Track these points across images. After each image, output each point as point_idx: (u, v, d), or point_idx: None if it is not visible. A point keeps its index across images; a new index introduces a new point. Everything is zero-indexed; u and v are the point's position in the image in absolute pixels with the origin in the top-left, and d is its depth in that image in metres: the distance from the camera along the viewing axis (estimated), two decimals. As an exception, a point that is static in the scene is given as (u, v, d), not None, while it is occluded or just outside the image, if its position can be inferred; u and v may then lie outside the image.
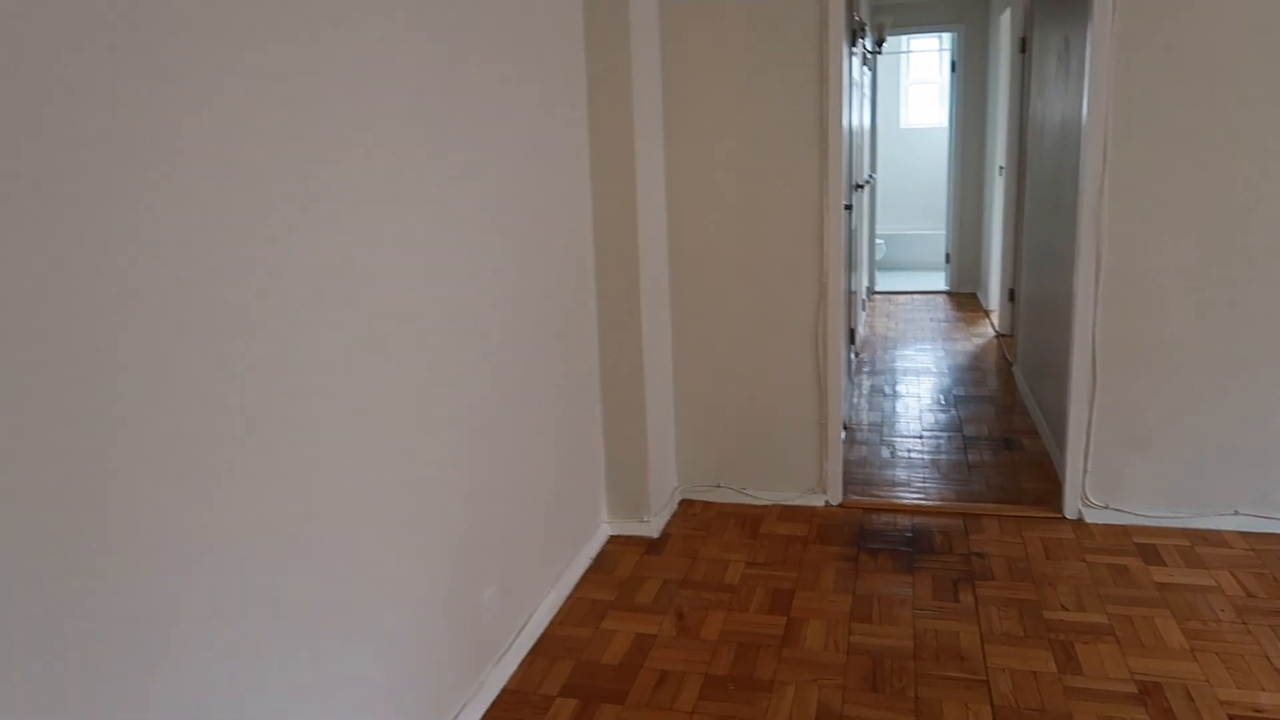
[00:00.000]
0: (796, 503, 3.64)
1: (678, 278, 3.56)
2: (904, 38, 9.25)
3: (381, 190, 1.89)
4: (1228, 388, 3.21)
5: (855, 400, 4.98)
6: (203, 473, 1.43)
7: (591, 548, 3.24)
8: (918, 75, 9.51)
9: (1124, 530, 3.32)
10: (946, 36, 9.27)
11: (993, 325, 6.62)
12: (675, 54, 3.37)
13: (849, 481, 3.82)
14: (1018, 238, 5.82)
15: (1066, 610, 2.81)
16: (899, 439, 4.36)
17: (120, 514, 1.29)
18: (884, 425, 4.57)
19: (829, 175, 3.37)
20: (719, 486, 3.70)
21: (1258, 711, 2.31)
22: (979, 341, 6.23)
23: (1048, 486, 3.72)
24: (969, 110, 7.62)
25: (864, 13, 5.99)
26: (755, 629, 2.76)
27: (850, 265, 4.71)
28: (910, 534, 3.36)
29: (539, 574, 2.78)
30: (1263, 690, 2.39)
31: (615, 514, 3.40)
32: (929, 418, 4.67)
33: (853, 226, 4.89)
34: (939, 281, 8.35)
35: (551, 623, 2.82)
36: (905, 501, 3.63)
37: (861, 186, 5.59)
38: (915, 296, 7.91)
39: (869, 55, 6.49)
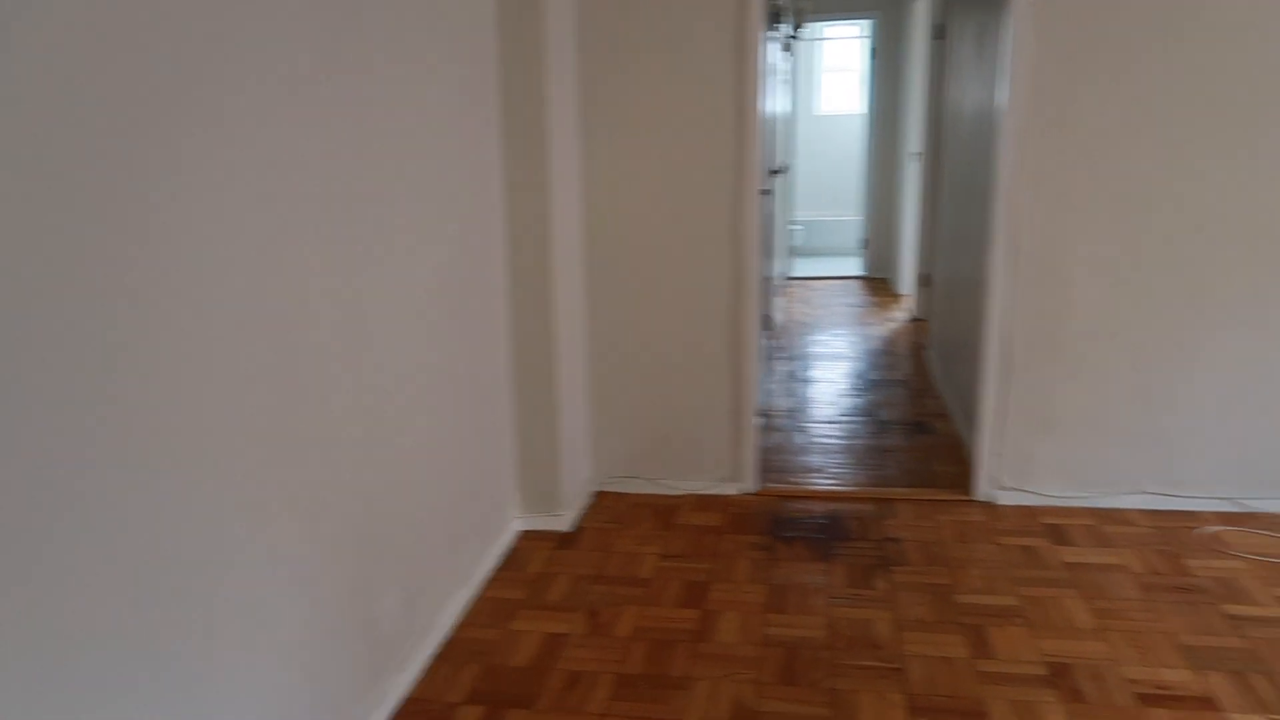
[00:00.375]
0: (712, 492, 3.59)
1: (593, 266, 3.46)
2: (819, 24, 9.28)
3: (266, 176, 1.75)
4: (1133, 372, 3.26)
5: (771, 386, 4.96)
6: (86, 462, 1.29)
7: (502, 544, 3.14)
8: (832, 62, 9.56)
9: (1033, 511, 3.35)
10: (864, 23, 9.34)
11: (906, 310, 6.69)
12: (591, 38, 3.27)
13: (765, 469, 3.78)
14: (932, 224, 5.88)
15: (978, 593, 2.81)
16: (814, 424, 4.35)
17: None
18: (800, 411, 4.55)
19: (747, 161, 3.31)
20: (634, 477, 3.63)
21: (1162, 689, 2.34)
22: (893, 326, 6.29)
23: (960, 470, 3.75)
24: (886, 97, 7.67)
25: (778, -3, 5.96)
26: (669, 624, 2.69)
27: (767, 251, 4.68)
28: (825, 521, 3.33)
29: (445, 574, 2.67)
30: (1167, 668, 2.42)
31: (527, 508, 3.30)
32: (844, 403, 4.67)
33: (769, 212, 4.86)
34: (854, 267, 8.42)
35: (458, 625, 2.71)
36: (820, 488, 3.61)
37: (778, 172, 5.57)
38: (831, 282, 7.96)
39: (789, 41, 6.47)
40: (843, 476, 3.72)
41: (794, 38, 6.55)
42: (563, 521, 3.30)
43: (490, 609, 2.79)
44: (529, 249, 3.07)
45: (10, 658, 1.25)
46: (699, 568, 3.02)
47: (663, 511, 3.44)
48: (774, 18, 4.63)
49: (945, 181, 4.96)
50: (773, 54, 4.42)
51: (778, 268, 6.42)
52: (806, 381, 5.06)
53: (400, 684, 2.37)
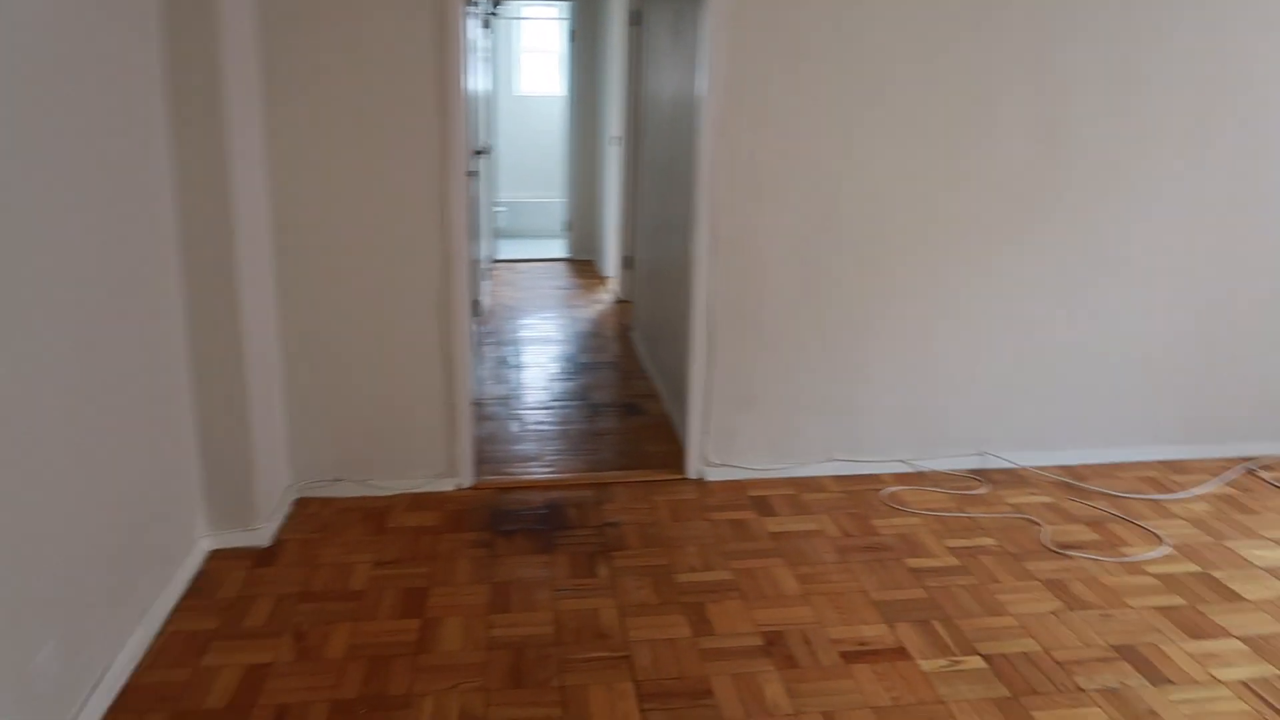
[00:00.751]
0: (426, 489, 3.42)
1: (286, 254, 3.14)
2: (517, 3, 9.19)
3: None
4: (821, 347, 3.49)
5: (483, 374, 4.84)
6: None
7: (188, 569, 2.78)
8: (532, 42, 9.51)
9: (740, 485, 3.51)
10: (562, 5, 9.36)
11: (611, 291, 6.82)
12: (273, 6, 2.94)
13: (480, 461, 3.67)
14: (634, 207, 6.00)
15: (695, 571, 2.89)
16: (528, 411, 4.29)
17: None
18: (512, 398, 4.48)
19: (452, 141, 3.14)
20: (340, 480, 3.37)
21: (863, 645, 2.51)
22: (599, 308, 6.38)
23: (671, 449, 3.84)
24: (585, 79, 7.73)
25: (474, -29, 5.78)
26: (387, 638, 2.51)
27: (474, 234, 4.54)
28: (545, 511, 3.28)
29: (115, 614, 2.30)
30: (865, 624, 2.61)
31: (216, 525, 2.96)
32: (556, 387, 4.66)
33: (475, 194, 4.71)
34: (559, 249, 8.46)
35: (137, 669, 2.36)
36: (538, 477, 3.56)
37: (482, 153, 5.42)
38: (536, 264, 7.95)
39: (488, 17, 6.31)
40: (559, 463, 3.69)
41: (493, 14, 6.41)
42: (260, 536, 2.99)
43: (177, 645, 2.46)
44: (206, 239, 2.72)
45: None
46: (416, 573, 2.85)
47: (374, 515, 3.23)
48: (472, -8, 4.47)
49: (646, 166, 5.07)
50: (473, 30, 4.27)
51: (484, 251, 6.29)
52: (517, 367, 4.99)
53: (65, 749, 2.01)
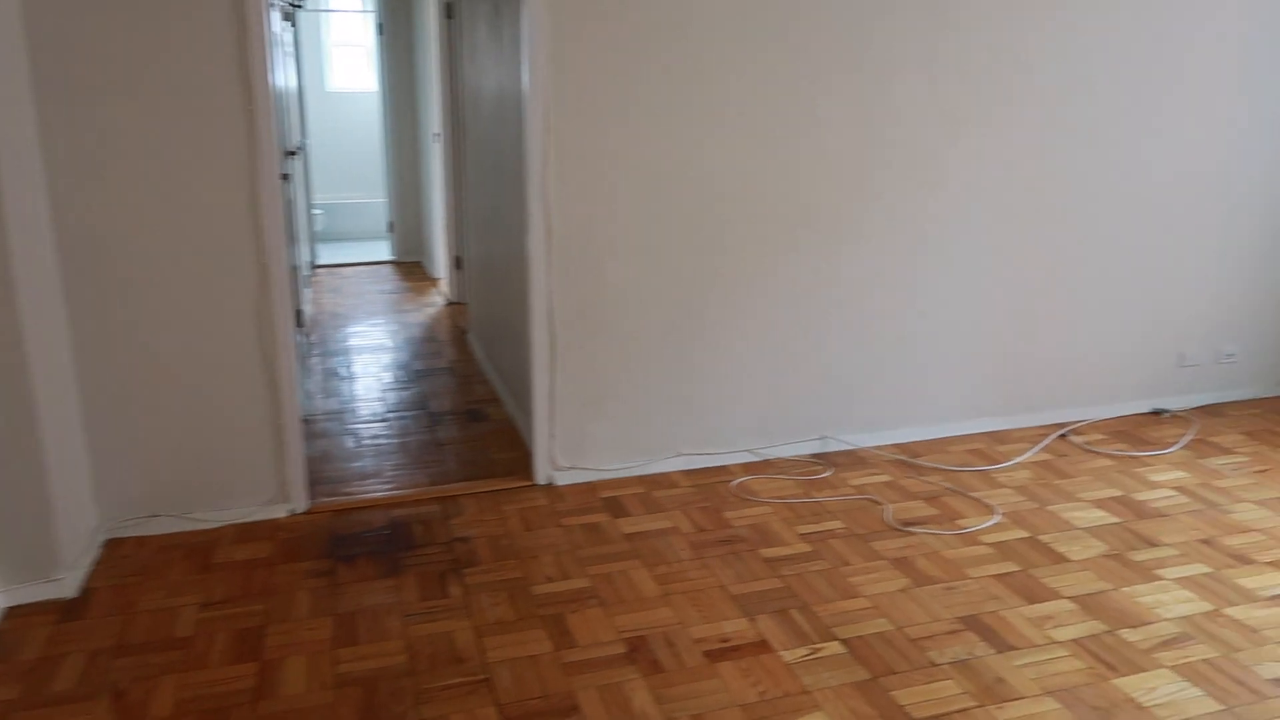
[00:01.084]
0: (256, 518, 3.17)
1: (78, 273, 2.83)
2: (322, -5, 8.75)
3: None
4: (664, 342, 3.48)
5: (310, 388, 4.56)
6: None
7: (-22, 631, 2.46)
8: (341, 36, 9.09)
9: (592, 488, 3.45)
10: (366, -3, 8.98)
11: (442, 293, 6.61)
12: (48, 2, 2.62)
13: (315, 482, 3.45)
14: (461, 205, 5.82)
15: (552, 581, 2.80)
16: (363, 425, 4.08)
17: None
18: (345, 412, 4.24)
19: (260, 142, 2.91)
20: (156, 516, 3.08)
21: (725, 641, 2.50)
22: (431, 311, 6.16)
23: (518, 455, 3.74)
24: (399, 74, 7.45)
25: (275, -40, 5.44)
26: (221, 687, 2.30)
27: (291, 239, 4.27)
28: (389, 531, 3.11)
29: (-109, 693, 2.00)
30: (726, 620, 2.60)
31: (10, 578, 2.63)
32: (391, 397, 4.45)
33: (290, 197, 4.43)
34: (384, 251, 8.14)
35: (-79, 754, 2.06)
36: (379, 495, 3.37)
37: (294, 153, 5.11)
38: (361, 268, 7.61)
39: (290, 10, 5.95)
40: (401, 479, 3.52)
41: (297, 6, 6.07)
42: (65, 586, 2.69)
43: (-31, 722, 2.17)
44: (-21, 254, 2.40)
45: None
46: (250, 611, 2.63)
47: (198, 551, 2.97)
48: (275, -18, 4.21)
49: (471, 163, 4.92)
50: (275, 23, 4.01)
51: (304, 256, 5.95)
52: (348, 378, 4.74)
53: None
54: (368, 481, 3.49)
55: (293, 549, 2.99)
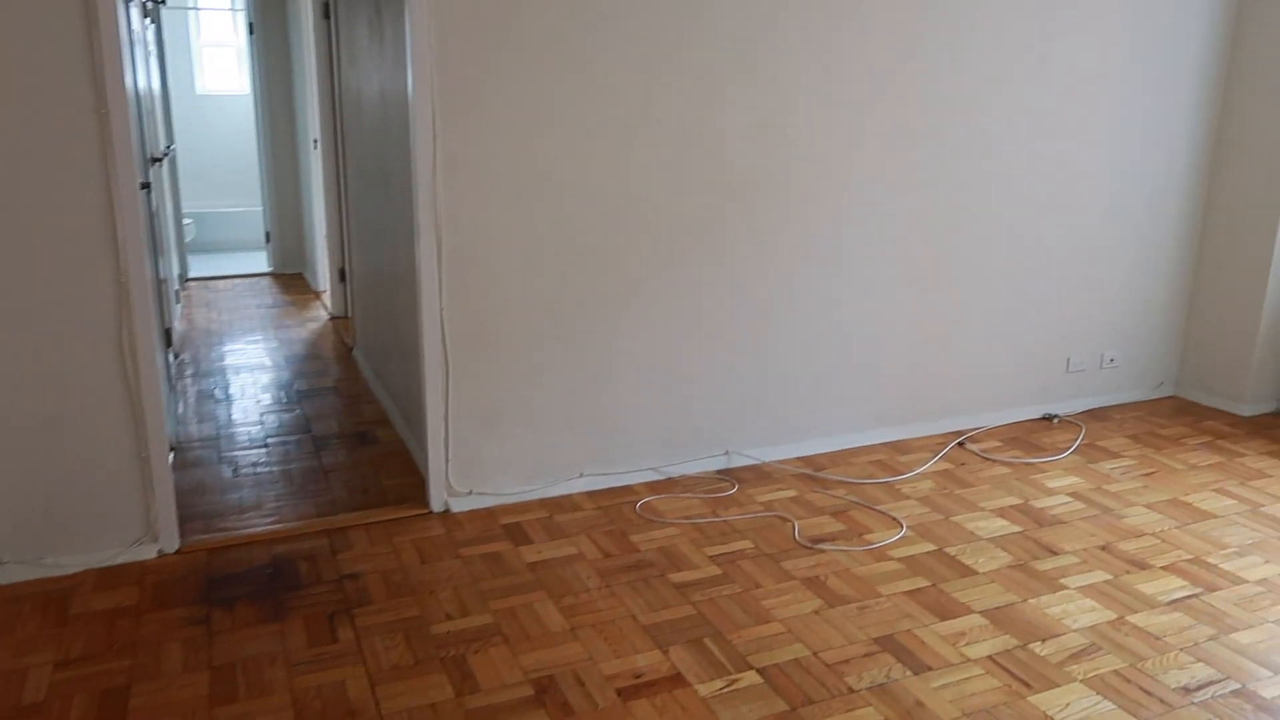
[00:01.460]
0: (120, 561, 2.89)
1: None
2: (189, -9, 8.29)
3: None
4: (564, 357, 3.34)
5: (181, 412, 4.24)
6: None
7: None
8: (212, 36, 8.62)
9: (491, 514, 3.28)
10: (238, -5, 8.55)
11: (325, 307, 6.30)
12: None
13: (187, 518, 3.18)
14: (343, 214, 5.55)
15: (452, 619, 2.63)
16: (241, 452, 3.80)
17: None
18: (221, 438, 3.95)
19: (115, 148, 2.65)
20: (2, 563, 2.76)
21: (638, 677, 2.38)
22: (314, 326, 5.86)
23: (411, 480, 3.54)
24: (274, 76, 7.09)
25: (135, -47, 5.07)
26: (78, 762, 2.05)
27: (157, 252, 3.96)
28: (270, 570, 2.88)
29: None
30: (638, 653, 2.48)
31: None
32: (272, 420, 4.18)
33: (154, 207, 4.11)
34: (261, 262, 7.75)
35: None
36: (259, 530, 3.13)
37: (160, 160, 4.77)
38: (237, 281, 7.21)
39: (151, 6, 5.56)
40: (284, 510, 3.28)
41: (159, 3, 5.69)
42: (-108, 651, 2.37)
43: None
44: None
45: None
46: (114, 669, 2.37)
47: (53, 601, 2.67)
48: (134, -25, 3.90)
49: (353, 170, 4.68)
50: (133, 20, 3.71)
51: (173, 270, 5.57)
52: (224, 401, 4.43)
53: None
54: (247, 515, 3.24)
55: (163, 594, 2.72)
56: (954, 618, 2.67)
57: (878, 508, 3.37)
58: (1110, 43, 3.99)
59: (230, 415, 4.24)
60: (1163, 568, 2.97)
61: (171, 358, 4.63)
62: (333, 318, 6.03)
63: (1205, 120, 4.32)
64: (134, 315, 2.78)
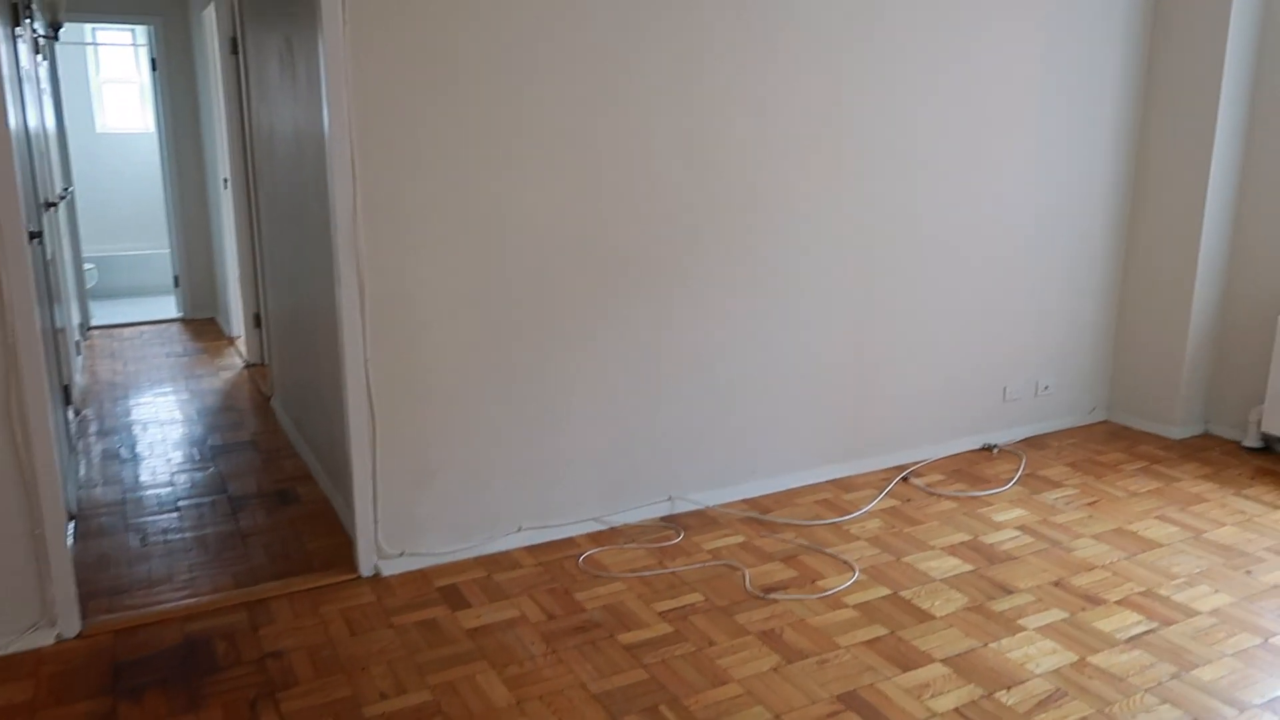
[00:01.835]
0: (12, 650, 2.62)
1: None
2: (88, 27, 7.93)
3: None
4: (498, 406, 3.18)
5: (83, 476, 3.94)
6: None
7: None
8: (114, 73, 8.26)
9: (425, 576, 3.09)
10: (141, 30, 8.22)
11: (240, 354, 6.00)
12: None
13: (90, 596, 2.91)
14: (257, 257, 5.30)
15: (387, 698, 2.43)
16: (150, 518, 3.53)
17: None
18: (127, 503, 3.67)
19: (2, 194, 2.42)
20: (-126, 662, 2.48)
21: (591, 754, 2.22)
22: (228, 375, 5.57)
23: (337, 542, 3.32)
24: (180, 114, 6.80)
25: (26, -14, 4.79)
26: None
27: (52, 302, 3.69)
28: (184, 651, 2.64)
29: None
30: (589, 726, 2.33)
31: None
32: (184, 480, 3.91)
33: (49, 256, 3.83)
34: (170, 308, 7.39)
35: None
36: (171, 606, 2.88)
37: (55, 204, 4.47)
38: (144, 328, 6.84)
39: (43, 41, 5.26)
40: (198, 582, 3.03)
41: (52, 38, 5.39)
42: None
43: None
44: None
45: None
46: (3, 781, 2.12)
47: (-68, 703, 2.40)
48: (14, 12, 3.65)
49: (267, 211, 4.45)
50: (22, 57, 3.47)
51: (73, 318, 5.24)
52: (131, 460, 4.14)
53: None
54: (157, 589, 2.99)
55: (62, 686, 2.47)
56: (916, 668, 2.57)
57: (828, 550, 3.27)
58: (1030, 79, 4.02)
59: (138, 476, 3.95)
60: (1117, 602, 2.93)
61: (71, 416, 4.32)
62: (248, 365, 5.74)
63: (1124, 153, 4.40)
64: (23, 377, 2.54)
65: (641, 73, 3.18)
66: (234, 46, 5.28)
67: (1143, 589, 3.01)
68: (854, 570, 3.13)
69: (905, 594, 2.98)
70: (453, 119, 2.92)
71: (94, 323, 6.92)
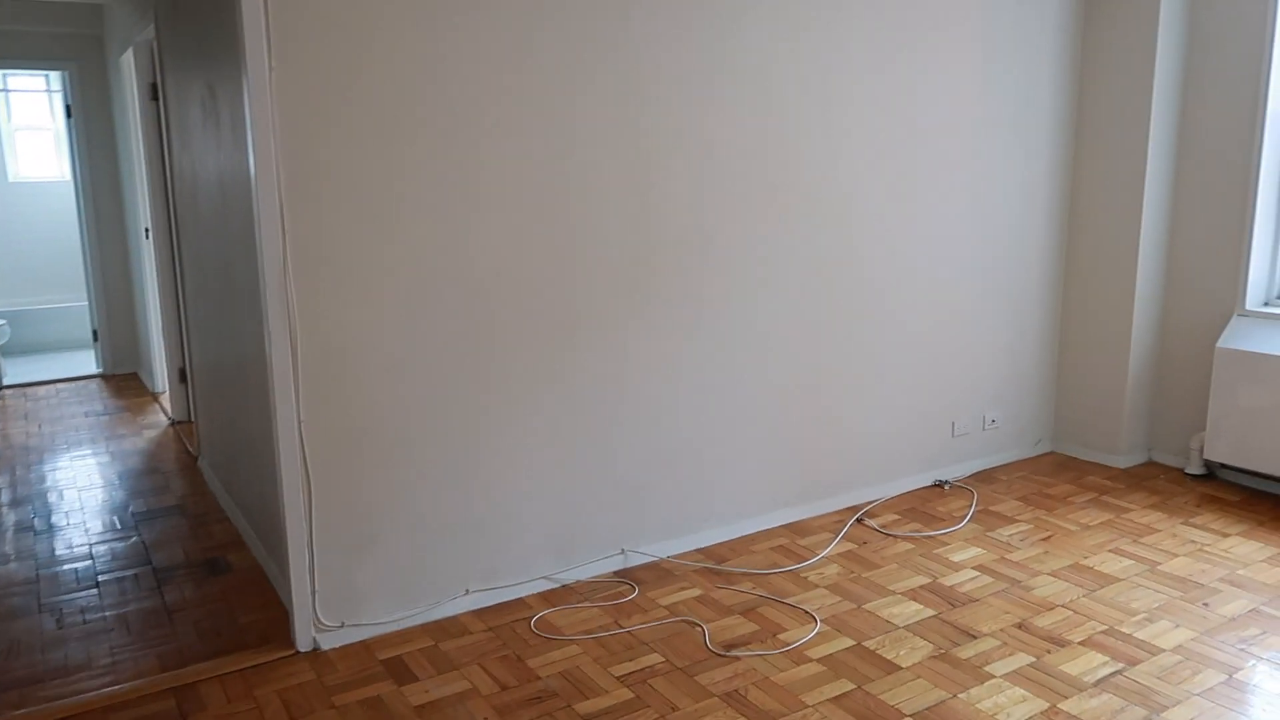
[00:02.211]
0: (-91, 757, 2.39)
1: None
2: (-3, 73, 7.63)
3: None
4: (442, 464, 3.04)
5: (-7, 550, 3.68)
6: None
7: None
8: (24, 119, 7.95)
9: (368, 648, 2.91)
10: (55, 76, 7.94)
11: (165, 411, 5.73)
12: None
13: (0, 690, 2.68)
14: (182, 309, 5.07)
15: (330, 789, 2.26)
16: (65, 596, 3.29)
17: None
18: (41, 581, 3.42)
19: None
20: None
21: (553, 840, 2.08)
22: (152, 434, 5.30)
23: (272, 615, 3.13)
24: (98, 162, 6.54)
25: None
26: None
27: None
28: (105, 747, 2.43)
29: None
30: (550, 809, 2.18)
31: None
32: (104, 552, 3.67)
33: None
34: (89, 363, 7.06)
35: None
36: (90, 696, 2.66)
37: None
38: (60, 386, 6.51)
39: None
40: (121, 667, 2.81)
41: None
42: None
43: None
44: None
45: None
46: None
47: None
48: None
49: (191, 261, 4.26)
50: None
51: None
52: (46, 532, 3.88)
53: None
54: (75, 677, 2.76)
55: (-36, 797, 2.24)
56: (886, 725, 2.49)
57: (787, 600, 3.18)
58: (965, 118, 4.05)
59: (53, 550, 3.70)
60: (1080, 643, 2.88)
61: (-20, 485, 4.04)
62: (174, 423, 5.48)
63: (1059, 190, 4.45)
64: (-79, 457, 2.33)
65: (584, 118, 3.10)
66: (154, 92, 5.10)
67: (1104, 627, 2.97)
68: (815, 621, 3.04)
69: (869, 644, 2.90)
70: (388, 166, 2.80)
71: (6, 381, 6.57)
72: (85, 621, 3.10)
